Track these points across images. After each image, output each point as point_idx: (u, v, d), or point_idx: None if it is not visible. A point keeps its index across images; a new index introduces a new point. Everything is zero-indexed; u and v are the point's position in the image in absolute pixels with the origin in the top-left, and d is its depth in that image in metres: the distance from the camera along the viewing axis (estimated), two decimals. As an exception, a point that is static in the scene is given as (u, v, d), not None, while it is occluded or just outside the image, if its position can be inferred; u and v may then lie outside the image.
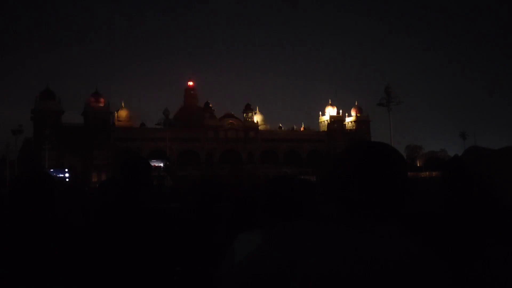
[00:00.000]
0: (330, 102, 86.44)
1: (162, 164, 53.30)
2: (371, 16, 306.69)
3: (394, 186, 1.00)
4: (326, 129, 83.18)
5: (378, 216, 0.98)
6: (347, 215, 1.00)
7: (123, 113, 78.58)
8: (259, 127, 79.98)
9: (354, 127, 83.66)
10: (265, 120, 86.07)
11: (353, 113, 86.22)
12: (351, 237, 0.94)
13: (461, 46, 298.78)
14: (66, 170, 42.08)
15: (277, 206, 1.53)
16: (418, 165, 74.49)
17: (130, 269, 1.95)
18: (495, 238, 1.17)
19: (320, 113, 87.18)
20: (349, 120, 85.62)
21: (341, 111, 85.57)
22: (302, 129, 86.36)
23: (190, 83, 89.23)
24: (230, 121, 78.01)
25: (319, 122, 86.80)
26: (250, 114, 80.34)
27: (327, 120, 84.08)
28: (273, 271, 0.93)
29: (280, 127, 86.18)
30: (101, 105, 69.38)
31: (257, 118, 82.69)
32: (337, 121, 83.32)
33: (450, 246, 1.16)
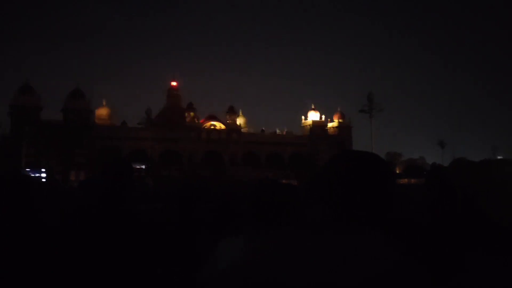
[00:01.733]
0: (313, 107, 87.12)
1: (144, 167, 52.85)
2: (355, 23, 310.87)
3: (380, 194, 1.03)
4: (308, 133, 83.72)
5: (364, 223, 1.00)
6: (333, 221, 1.02)
7: (104, 111, 77.38)
8: (242, 130, 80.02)
9: (336, 133, 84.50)
10: (248, 122, 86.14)
11: (335, 119, 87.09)
12: (337, 245, 0.95)
13: (442, 56, 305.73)
14: (43, 170, 41.02)
15: (262, 212, 1.53)
16: (397, 171, 75.76)
17: (112, 270, 1.92)
18: (477, 248, 1.19)
19: (303, 117, 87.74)
20: (331, 126, 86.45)
21: (323, 117, 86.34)
22: (284, 132, 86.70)
23: (174, 83, 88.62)
24: (213, 122, 77.81)
25: (301, 126, 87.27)
26: (233, 116, 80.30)
27: (309, 125, 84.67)
28: (259, 279, 0.93)
29: (263, 130, 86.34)
30: (82, 102, 68.15)
31: (240, 120, 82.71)
32: (319, 126, 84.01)
33: (433, 255, 1.18)
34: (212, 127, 77.27)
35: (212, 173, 47.93)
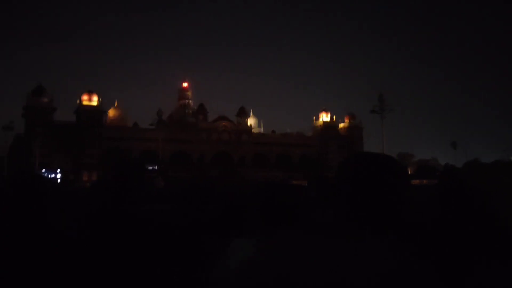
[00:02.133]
0: (324, 107, 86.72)
1: (155, 167, 53.37)
2: (367, 24, 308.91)
3: (393, 196, 1.03)
4: (319, 134, 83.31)
5: (376, 226, 1.00)
6: (344, 223, 1.03)
7: (116, 112, 78.08)
8: (252, 131, 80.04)
9: (346, 133, 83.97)
10: (258, 123, 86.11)
11: (346, 119, 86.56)
12: (347, 250, 0.95)
13: (454, 56, 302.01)
14: (58, 170, 41.68)
15: (271, 213, 1.52)
16: (409, 172, 75.04)
17: (111, 270, 1.93)
18: (487, 250, 1.16)
19: (314, 118, 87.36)
20: (342, 126, 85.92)
21: (334, 117, 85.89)
22: (295, 133, 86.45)
23: (185, 84, 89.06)
24: (224, 123, 77.95)
25: (312, 127, 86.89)
26: (243, 117, 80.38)
27: (320, 126, 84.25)
28: (271, 280, 0.94)
29: (273, 131, 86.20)
30: (94, 103, 68.88)
31: (251, 121, 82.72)
32: (330, 127, 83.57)
33: (444, 257, 1.16)
34: (223, 128, 77.40)
35: (220, 173, 48.02)
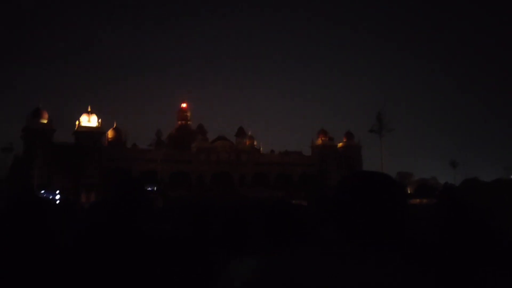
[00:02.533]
0: (322, 129, 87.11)
1: (155, 188, 53.33)
2: (366, 44, 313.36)
3: (392, 213, 1.04)
4: (318, 153, 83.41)
5: (378, 243, 1.01)
6: (345, 241, 1.04)
7: (115, 133, 78.31)
8: (251, 150, 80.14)
9: (345, 153, 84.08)
10: (257, 143, 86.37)
11: (345, 139, 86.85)
12: (351, 266, 0.97)
13: (453, 75, 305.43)
14: (58, 191, 41.63)
15: (273, 231, 1.53)
16: (409, 191, 74.87)
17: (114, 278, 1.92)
18: (488, 267, 1.17)
19: (313, 137, 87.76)
20: (341, 145, 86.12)
21: (333, 137, 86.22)
22: (294, 152, 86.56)
23: (184, 105, 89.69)
24: (223, 144, 78.13)
25: (311, 147, 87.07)
26: (242, 137, 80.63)
27: (319, 145, 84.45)
28: None
29: (272, 151, 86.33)
30: (93, 124, 69.21)
31: (250, 141, 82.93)
32: (328, 147, 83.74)
33: (446, 273, 1.17)
34: (222, 148, 77.51)
35: (220, 192, 47.86)
